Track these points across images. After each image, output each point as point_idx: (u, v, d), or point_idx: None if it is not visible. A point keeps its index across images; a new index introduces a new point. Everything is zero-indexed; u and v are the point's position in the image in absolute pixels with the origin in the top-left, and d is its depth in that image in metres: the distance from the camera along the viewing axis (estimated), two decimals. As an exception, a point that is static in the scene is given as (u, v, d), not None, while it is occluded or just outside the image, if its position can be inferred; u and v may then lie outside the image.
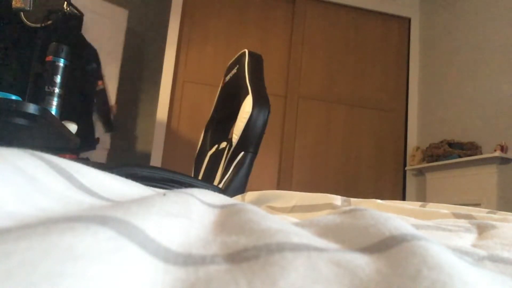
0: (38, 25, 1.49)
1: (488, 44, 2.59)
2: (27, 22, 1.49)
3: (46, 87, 1.20)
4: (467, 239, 0.34)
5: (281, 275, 0.15)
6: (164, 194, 0.25)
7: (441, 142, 2.68)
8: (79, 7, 2.05)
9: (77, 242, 0.13)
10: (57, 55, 1.22)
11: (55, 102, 1.21)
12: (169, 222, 0.19)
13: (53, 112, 1.20)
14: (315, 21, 3.18)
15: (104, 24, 2.57)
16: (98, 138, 2.39)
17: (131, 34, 2.88)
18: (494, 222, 0.38)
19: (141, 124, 2.83)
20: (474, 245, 0.31)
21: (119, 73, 2.67)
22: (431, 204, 0.59)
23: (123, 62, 2.77)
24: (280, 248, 0.17)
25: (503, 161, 2.28)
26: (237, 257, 0.17)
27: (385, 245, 0.19)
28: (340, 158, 3.06)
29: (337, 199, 0.57)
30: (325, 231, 0.23)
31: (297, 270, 0.15)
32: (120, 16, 2.69)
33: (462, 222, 0.40)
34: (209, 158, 1.49)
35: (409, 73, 3.27)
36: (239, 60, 1.37)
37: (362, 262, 0.17)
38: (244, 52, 1.37)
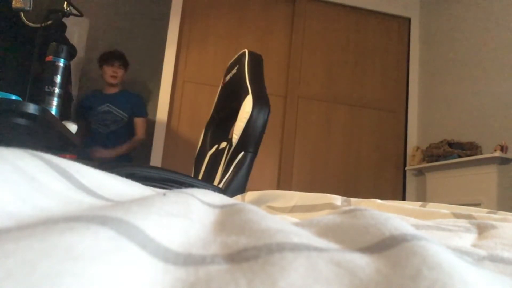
0: (38, 25, 1.48)
1: (488, 44, 2.60)
2: (27, 22, 1.49)
3: (46, 87, 1.20)
4: (467, 239, 0.34)
5: (281, 275, 0.15)
6: (164, 194, 0.25)
7: (441, 142, 2.68)
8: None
9: (77, 242, 0.13)
10: (57, 55, 1.22)
11: (55, 102, 1.21)
12: (169, 222, 0.19)
13: (53, 112, 1.20)
14: (315, 21, 3.18)
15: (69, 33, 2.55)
16: None
17: (130, 33, 2.88)
18: (494, 222, 0.38)
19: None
20: (474, 245, 0.31)
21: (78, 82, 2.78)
22: (431, 204, 0.59)
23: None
24: (280, 248, 0.17)
25: (503, 161, 2.28)
26: (237, 257, 0.17)
27: (385, 245, 0.19)
28: (340, 158, 3.06)
29: (337, 199, 0.57)
30: (325, 231, 0.23)
31: (297, 270, 0.15)
32: (82, 25, 2.74)
33: (462, 222, 0.40)
34: (209, 158, 1.49)
35: (409, 73, 3.27)
36: (239, 60, 1.37)
37: (362, 262, 0.17)
38: (244, 52, 1.37)
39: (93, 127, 2.54)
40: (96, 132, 2.53)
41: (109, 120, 2.54)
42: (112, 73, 2.52)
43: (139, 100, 2.66)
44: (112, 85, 2.55)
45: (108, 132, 2.55)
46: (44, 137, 1.18)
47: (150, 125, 2.83)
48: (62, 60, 1.23)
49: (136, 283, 0.14)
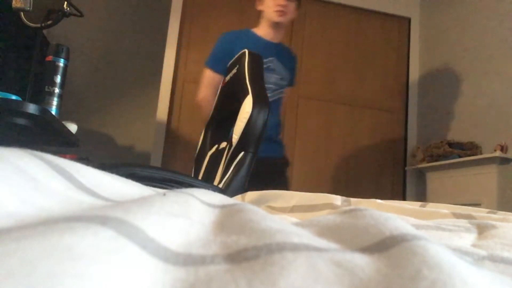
0: (38, 25, 1.49)
1: (488, 44, 2.59)
2: (27, 22, 1.49)
3: (46, 87, 1.20)
4: (467, 239, 0.34)
5: (281, 275, 0.15)
6: (164, 194, 0.25)
7: (441, 142, 2.67)
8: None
9: (77, 242, 0.13)
10: (57, 55, 1.22)
11: (55, 102, 1.21)
12: (169, 222, 0.19)
13: (53, 112, 1.20)
14: (315, 21, 3.18)
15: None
16: None
17: (130, 33, 2.88)
18: (494, 222, 0.38)
19: (141, 124, 2.83)
20: (474, 245, 0.31)
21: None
22: (431, 204, 0.59)
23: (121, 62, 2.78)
24: (280, 248, 0.17)
25: (503, 161, 2.28)
26: (237, 257, 0.17)
27: (385, 245, 0.19)
28: (340, 158, 3.06)
29: (337, 199, 0.57)
30: (325, 231, 0.23)
31: (297, 270, 0.15)
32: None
33: (462, 222, 0.40)
34: (209, 158, 1.49)
35: (409, 73, 3.27)
36: (239, 60, 1.37)
37: (362, 262, 0.17)
38: (244, 52, 1.37)
39: None
40: None
41: (274, 83, 1.71)
42: (279, 7, 1.63)
43: (296, 61, 1.85)
44: (276, 26, 1.69)
45: (270, 102, 1.89)
46: (44, 137, 1.18)
47: (150, 125, 2.83)
48: (62, 60, 1.23)
49: (136, 283, 0.14)
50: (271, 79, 1.70)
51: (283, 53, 1.77)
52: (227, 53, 1.64)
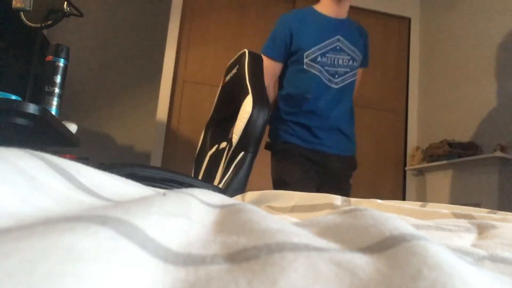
0: (38, 25, 1.49)
1: (488, 43, 2.59)
2: (27, 22, 1.49)
3: (46, 87, 1.20)
4: (467, 239, 0.34)
5: (281, 275, 0.15)
6: (164, 194, 0.25)
7: (441, 142, 2.67)
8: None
9: (77, 242, 0.13)
10: (57, 55, 1.22)
11: (55, 102, 1.21)
12: (169, 222, 0.19)
13: (53, 112, 1.20)
14: (315, 21, 3.18)
15: None
16: None
17: (130, 33, 2.88)
18: (494, 222, 0.38)
19: (141, 124, 2.83)
20: (474, 245, 0.31)
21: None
22: (431, 204, 0.59)
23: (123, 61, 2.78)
24: (280, 248, 0.17)
25: (503, 161, 2.28)
26: (237, 257, 0.17)
27: (385, 245, 0.19)
28: (340, 158, 3.05)
29: (337, 199, 0.57)
30: (325, 231, 0.23)
31: (297, 270, 0.15)
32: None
33: (462, 222, 0.40)
34: (209, 158, 1.49)
35: (409, 73, 3.27)
36: (239, 60, 1.37)
37: (362, 262, 0.17)
38: (244, 52, 1.36)
39: (312, 72, 1.51)
40: (318, 84, 1.53)
41: (342, 66, 1.55)
42: None
43: (368, 38, 1.66)
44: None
45: (337, 89, 1.57)
46: (44, 137, 1.18)
47: (150, 125, 2.83)
48: (62, 60, 1.23)
49: (136, 283, 0.14)
50: (338, 61, 1.52)
51: (351, 30, 1.59)
52: (283, 37, 1.55)
